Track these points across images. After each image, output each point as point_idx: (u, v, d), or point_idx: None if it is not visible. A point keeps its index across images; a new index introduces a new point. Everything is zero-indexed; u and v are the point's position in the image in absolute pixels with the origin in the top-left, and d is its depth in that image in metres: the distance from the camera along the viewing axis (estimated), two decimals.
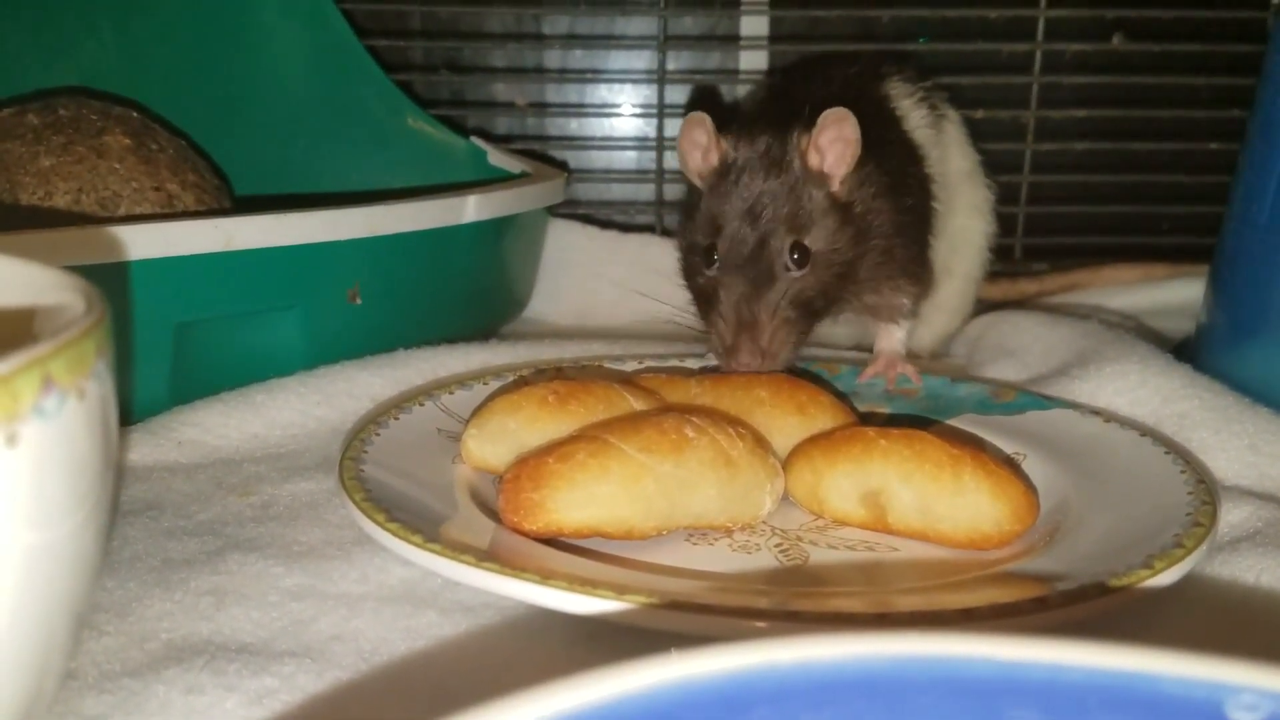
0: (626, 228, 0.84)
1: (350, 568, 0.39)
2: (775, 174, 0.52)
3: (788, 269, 0.51)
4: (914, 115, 0.62)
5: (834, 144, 0.52)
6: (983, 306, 0.72)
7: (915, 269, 0.58)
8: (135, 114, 0.64)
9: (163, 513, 0.43)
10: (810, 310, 0.52)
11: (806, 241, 0.52)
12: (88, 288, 0.28)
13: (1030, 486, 0.41)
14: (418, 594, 0.37)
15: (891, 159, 0.57)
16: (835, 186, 0.53)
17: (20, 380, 0.21)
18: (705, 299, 0.53)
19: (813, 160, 0.52)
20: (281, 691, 0.31)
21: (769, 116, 0.57)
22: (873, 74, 0.64)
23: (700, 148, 0.54)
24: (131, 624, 0.35)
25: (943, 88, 0.67)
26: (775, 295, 0.51)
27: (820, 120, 0.52)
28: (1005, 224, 0.89)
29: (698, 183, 0.55)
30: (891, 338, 0.59)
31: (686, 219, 0.56)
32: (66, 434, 0.23)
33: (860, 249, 0.54)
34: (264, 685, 0.31)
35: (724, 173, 0.53)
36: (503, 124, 0.88)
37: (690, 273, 0.55)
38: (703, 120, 0.54)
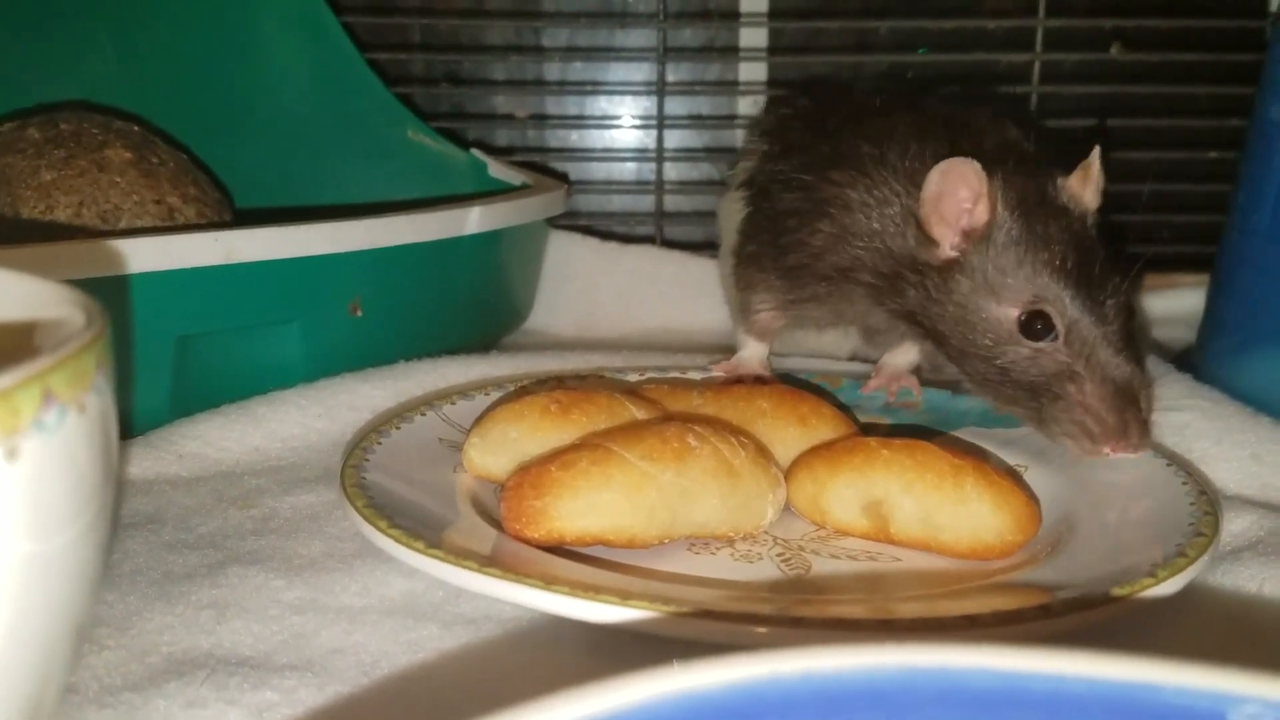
0: (627, 239, 0.85)
1: (351, 580, 0.39)
2: (1067, 223, 0.46)
3: (1124, 326, 0.45)
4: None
5: (1092, 184, 0.48)
6: None
7: None
8: (137, 128, 0.64)
9: (163, 526, 0.43)
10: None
11: (1121, 293, 0.46)
12: (88, 301, 0.28)
13: (1032, 497, 0.41)
14: (419, 607, 0.37)
15: None
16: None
17: (20, 394, 0.21)
18: (1024, 375, 0.45)
19: (1088, 201, 0.48)
20: (282, 705, 0.31)
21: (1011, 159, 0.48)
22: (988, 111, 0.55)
23: (966, 200, 0.46)
24: (132, 638, 0.35)
25: None
26: (1136, 363, 0.45)
27: (1089, 160, 0.47)
28: None
29: (949, 242, 0.46)
30: (905, 353, 0.59)
31: (940, 280, 0.47)
32: (67, 448, 0.23)
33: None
34: (265, 699, 0.31)
35: (998, 226, 0.45)
36: (503, 136, 0.89)
37: (979, 347, 0.46)
38: (972, 168, 0.45)
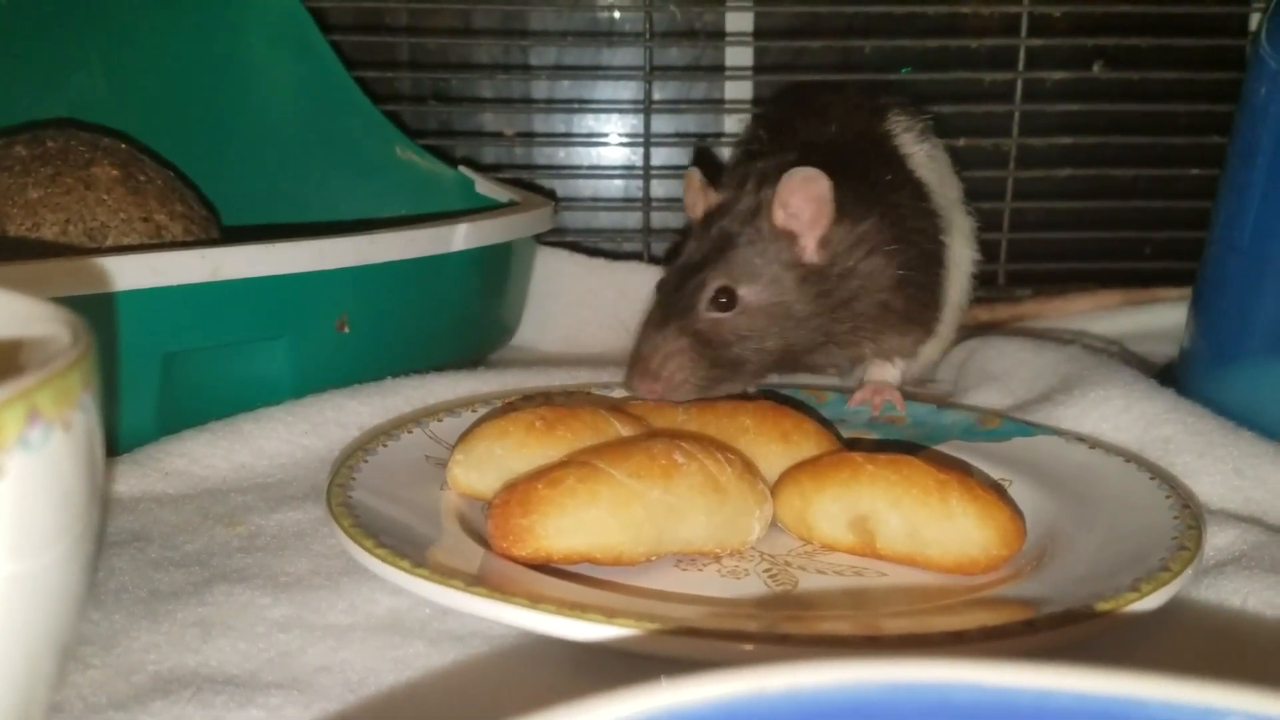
0: (614, 255, 0.85)
1: (338, 598, 0.38)
2: (739, 225, 0.53)
3: (709, 309, 0.51)
4: (917, 151, 0.61)
5: (806, 205, 0.52)
6: (965, 332, 0.72)
7: (925, 315, 0.58)
8: (124, 145, 0.64)
9: (149, 544, 0.43)
10: (733, 356, 0.51)
11: (741, 290, 0.51)
12: (74, 319, 0.28)
13: (1017, 511, 0.41)
14: (405, 624, 0.37)
15: (896, 209, 0.56)
16: (807, 248, 0.52)
17: (5, 413, 0.21)
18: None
19: (779, 219, 0.52)
20: None
21: (760, 163, 0.57)
22: (872, 109, 0.63)
23: (695, 202, 0.55)
24: (117, 656, 0.34)
25: (930, 116, 0.67)
26: (682, 327, 0.51)
27: (785, 180, 0.51)
28: (989, 250, 0.89)
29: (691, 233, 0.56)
30: (885, 370, 0.59)
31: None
32: (52, 466, 0.23)
33: (833, 310, 0.53)
34: (250, 717, 0.31)
35: (706, 221, 0.54)
36: (490, 153, 0.89)
37: None
38: (692, 176, 0.55)
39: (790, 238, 0.52)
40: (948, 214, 0.61)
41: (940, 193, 0.61)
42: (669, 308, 0.52)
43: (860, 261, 0.54)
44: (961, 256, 0.65)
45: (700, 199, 0.55)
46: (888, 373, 0.59)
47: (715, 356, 0.51)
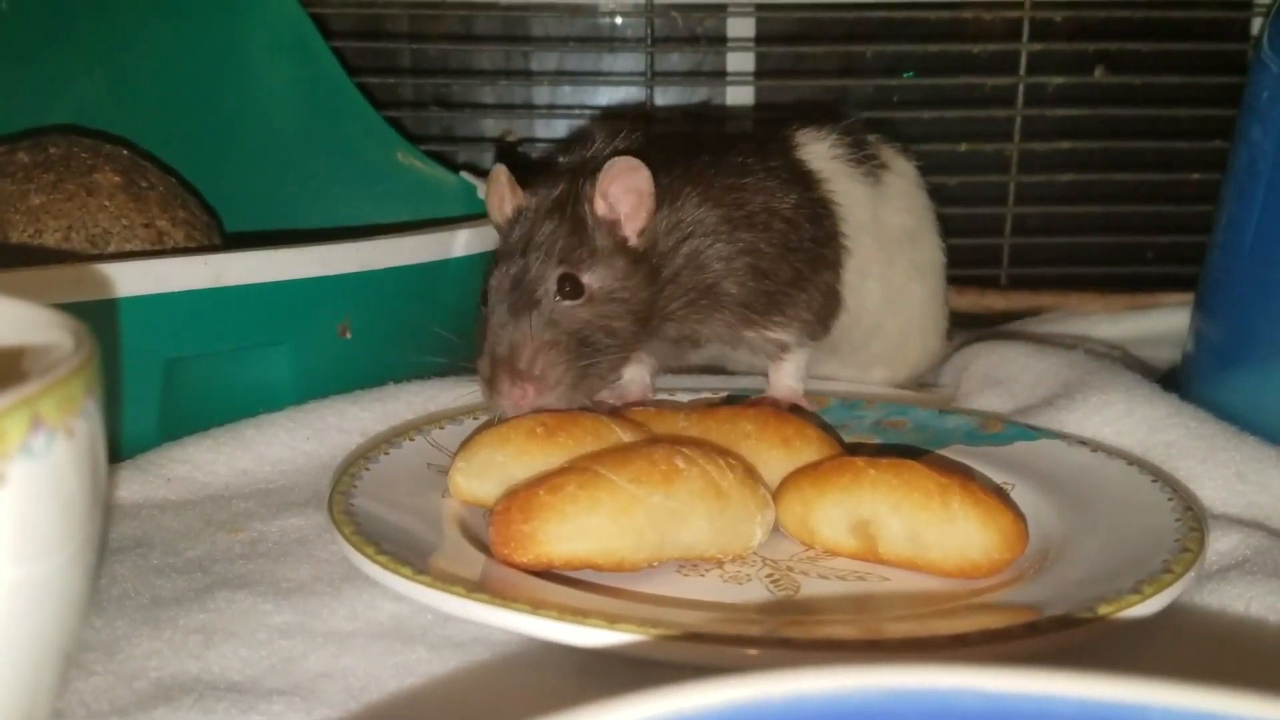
0: None
1: (340, 604, 0.38)
2: (558, 217, 0.51)
3: (557, 298, 0.50)
4: (817, 149, 0.60)
5: (626, 194, 0.51)
6: (973, 336, 0.72)
7: (783, 304, 0.56)
8: (126, 152, 0.64)
9: (151, 550, 0.43)
10: (592, 344, 0.50)
11: (584, 277, 0.50)
12: (76, 326, 0.28)
13: (1019, 515, 0.41)
14: (407, 630, 0.37)
15: (746, 195, 0.55)
16: (629, 235, 0.52)
17: (8, 420, 0.21)
18: (480, 342, 0.51)
19: (600, 208, 0.51)
20: None
21: (566, 160, 0.56)
22: (785, 125, 0.62)
23: (498, 196, 0.54)
24: (120, 663, 0.34)
25: (890, 141, 0.66)
26: (537, 321, 0.49)
27: (606, 168, 0.51)
28: (990, 256, 0.90)
29: (500, 231, 0.54)
30: (781, 375, 0.58)
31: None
32: (55, 473, 0.23)
33: (664, 290, 0.52)
34: None
35: (515, 220, 0.53)
36: (492, 159, 0.89)
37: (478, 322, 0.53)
38: (499, 172, 0.53)
39: (613, 225, 0.52)
40: (871, 229, 0.60)
41: (856, 199, 0.60)
42: (512, 308, 0.50)
43: (682, 244, 0.53)
44: (908, 290, 0.64)
45: (508, 196, 0.53)
46: (784, 375, 0.58)
47: (576, 348, 0.50)
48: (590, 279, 0.50)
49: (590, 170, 0.52)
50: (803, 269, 0.56)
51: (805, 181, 0.58)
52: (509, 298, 0.50)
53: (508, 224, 0.53)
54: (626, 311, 0.51)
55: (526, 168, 0.60)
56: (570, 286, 0.50)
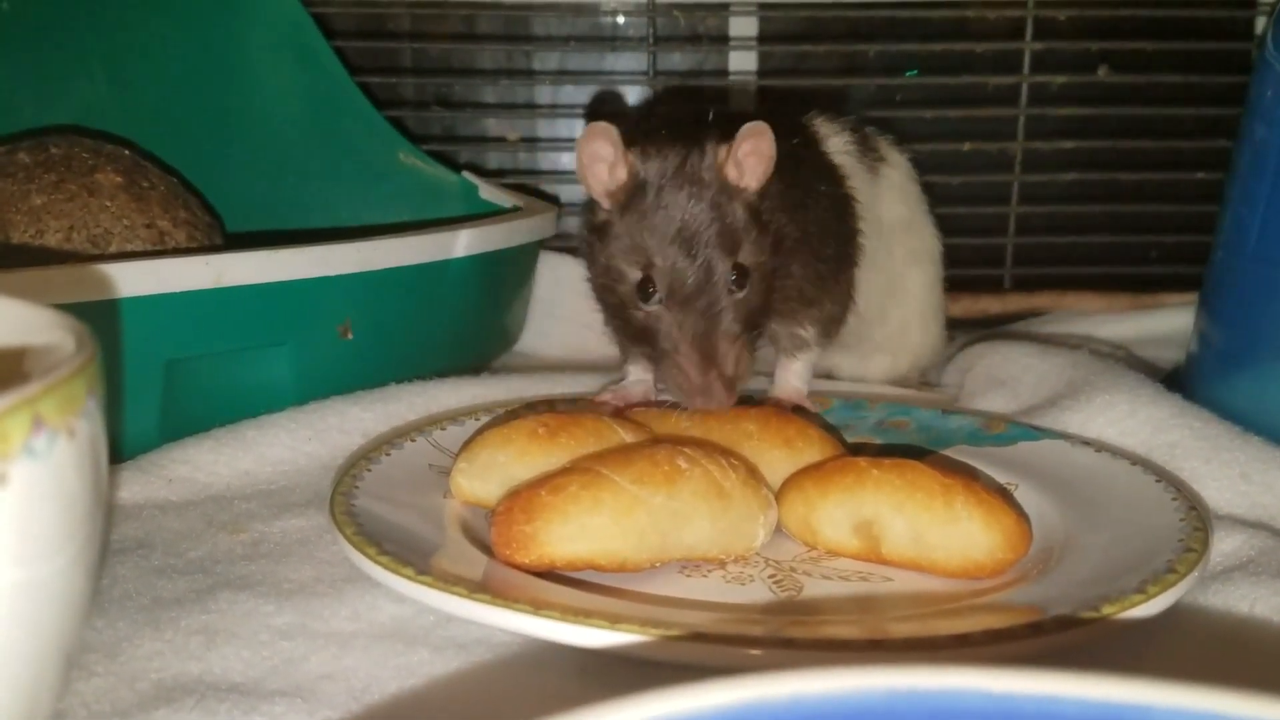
0: None
1: (341, 605, 0.38)
2: (697, 191, 0.48)
3: (731, 292, 0.48)
4: (836, 141, 0.61)
5: (749, 157, 0.49)
6: (976, 336, 0.72)
7: (815, 292, 0.56)
8: (127, 152, 0.64)
9: (153, 551, 0.43)
10: (753, 330, 0.50)
11: (742, 259, 0.49)
12: (78, 326, 0.28)
13: (1023, 515, 0.41)
14: (409, 631, 0.37)
15: (803, 176, 0.55)
16: (750, 198, 0.50)
17: (10, 420, 0.21)
18: (642, 334, 0.50)
19: (731, 174, 0.49)
20: None
21: (674, 132, 0.52)
22: (795, 109, 0.62)
23: (605, 161, 0.50)
24: (121, 664, 0.34)
25: (886, 131, 0.66)
26: (730, 325, 0.48)
27: (741, 132, 0.48)
28: (994, 255, 0.90)
29: (604, 202, 0.50)
30: (787, 375, 0.58)
31: (598, 241, 0.51)
32: (56, 473, 0.23)
33: (776, 260, 0.51)
34: None
35: (637, 191, 0.49)
36: (494, 159, 0.89)
37: (616, 305, 0.51)
38: (607, 131, 0.49)
39: (739, 192, 0.50)
40: (878, 219, 0.61)
41: (868, 191, 0.60)
42: (697, 306, 0.48)
43: (775, 214, 0.52)
44: (908, 277, 0.65)
45: (620, 161, 0.49)
46: (792, 374, 0.58)
47: (747, 334, 0.49)
48: (745, 258, 0.49)
49: (712, 136, 0.50)
50: (837, 263, 0.57)
51: (835, 175, 0.59)
52: (696, 300, 0.48)
53: (625, 195, 0.49)
54: (768, 284, 0.50)
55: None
56: (738, 275, 0.48)
